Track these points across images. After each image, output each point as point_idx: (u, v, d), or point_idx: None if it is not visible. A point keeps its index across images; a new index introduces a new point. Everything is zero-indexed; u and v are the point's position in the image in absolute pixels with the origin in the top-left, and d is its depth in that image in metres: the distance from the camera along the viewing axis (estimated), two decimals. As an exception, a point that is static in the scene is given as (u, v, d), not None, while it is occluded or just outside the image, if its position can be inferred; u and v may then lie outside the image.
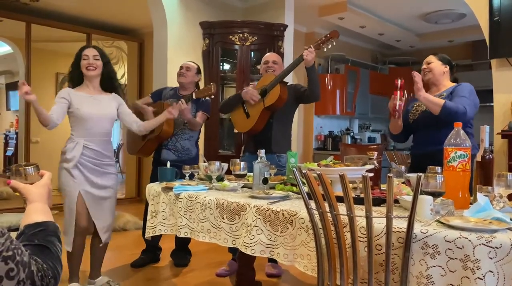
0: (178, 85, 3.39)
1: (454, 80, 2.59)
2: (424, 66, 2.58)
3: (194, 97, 3.07)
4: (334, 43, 2.76)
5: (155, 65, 4.84)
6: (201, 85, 3.57)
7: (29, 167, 1.09)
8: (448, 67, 2.55)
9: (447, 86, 2.52)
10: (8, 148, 7.67)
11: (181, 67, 3.32)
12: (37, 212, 1.00)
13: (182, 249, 3.44)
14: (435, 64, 2.54)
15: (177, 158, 3.21)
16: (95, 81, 2.67)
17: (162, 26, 4.67)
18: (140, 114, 3.16)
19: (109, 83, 2.73)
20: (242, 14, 5.42)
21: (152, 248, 3.39)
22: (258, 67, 3.19)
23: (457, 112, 2.26)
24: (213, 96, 3.12)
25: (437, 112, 2.33)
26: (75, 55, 2.67)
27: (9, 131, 7.81)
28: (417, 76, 2.35)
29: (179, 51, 4.69)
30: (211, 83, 3.08)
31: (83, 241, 2.63)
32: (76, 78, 2.68)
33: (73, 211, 2.54)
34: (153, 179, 3.23)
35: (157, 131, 3.12)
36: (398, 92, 2.37)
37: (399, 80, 2.37)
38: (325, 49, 2.81)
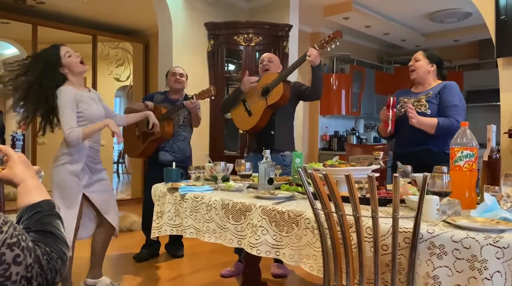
0: (168, 89, 3.57)
1: (442, 77, 2.64)
2: (411, 63, 2.63)
3: (194, 98, 3.21)
4: (338, 43, 2.76)
5: (160, 66, 4.85)
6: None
7: None
8: (434, 66, 2.59)
9: (433, 84, 2.59)
10: (15, 150, 7.69)
11: (174, 73, 3.45)
12: (28, 191, 0.96)
13: (176, 242, 3.62)
14: (421, 63, 2.59)
15: (173, 158, 3.36)
16: (80, 78, 2.55)
17: (167, 27, 4.68)
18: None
19: None
20: (247, 14, 5.42)
21: (153, 242, 3.53)
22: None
23: (451, 128, 2.37)
24: (213, 97, 3.29)
25: (432, 132, 2.42)
26: (45, 60, 2.43)
27: (16, 133, 7.86)
28: (411, 109, 2.41)
29: (184, 52, 4.70)
30: (211, 86, 3.27)
31: (74, 242, 2.60)
32: (45, 90, 2.42)
33: (72, 211, 2.50)
34: (151, 179, 3.39)
35: (159, 133, 3.25)
36: (391, 111, 2.46)
37: (392, 98, 2.46)
38: (328, 49, 2.81)
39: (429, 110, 2.47)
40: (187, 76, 3.54)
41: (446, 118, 2.40)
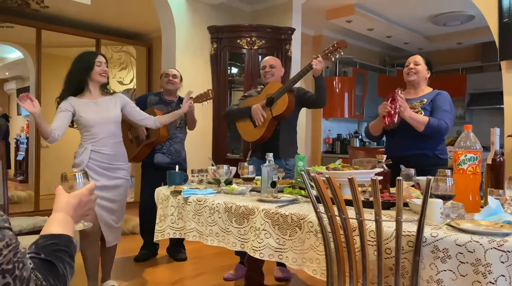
0: (162, 90, 3.60)
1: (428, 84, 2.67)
2: (411, 65, 2.59)
3: (192, 102, 3.20)
4: (342, 53, 2.77)
5: (163, 69, 4.86)
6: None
7: (77, 174, 1.08)
8: (429, 73, 2.62)
9: (425, 91, 2.61)
10: (19, 153, 7.75)
11: (167, 75, 3.49)
12: (56, 222, 0.97)
13: (177, 244, 3.61)
14: (422, 67, 2.60)
15: (170, 160, 3.42)
16: (98, 86, 2.70)
17: (170, 30, 4.70)
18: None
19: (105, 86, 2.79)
20: (250, 18, 5.43)
21: (150, 244, 3.56)
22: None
23: (440, 129, 2.41)
24: (210, 101, 3.34)
25: (421, 130, 2.42)
26: (85, 61, 2.64)
27: (20, 136, 7.89)
28: (402, 98, 2.40)
29: (187, 56, 4.71)
30: (209, 89, 3.28)
31: (92, 244, 2.62)
32: (77, 84, 2.66)
33: None
34: (147, 182, 3.46)
35: (154, 136, 3.28)
36: (398, 105, 2.43)
37: (400, 91, 2.43)
38: (332, 59, 2.82)
39: None
40: (181, 77, 3.56)
41: (435, 119, 2.43)
